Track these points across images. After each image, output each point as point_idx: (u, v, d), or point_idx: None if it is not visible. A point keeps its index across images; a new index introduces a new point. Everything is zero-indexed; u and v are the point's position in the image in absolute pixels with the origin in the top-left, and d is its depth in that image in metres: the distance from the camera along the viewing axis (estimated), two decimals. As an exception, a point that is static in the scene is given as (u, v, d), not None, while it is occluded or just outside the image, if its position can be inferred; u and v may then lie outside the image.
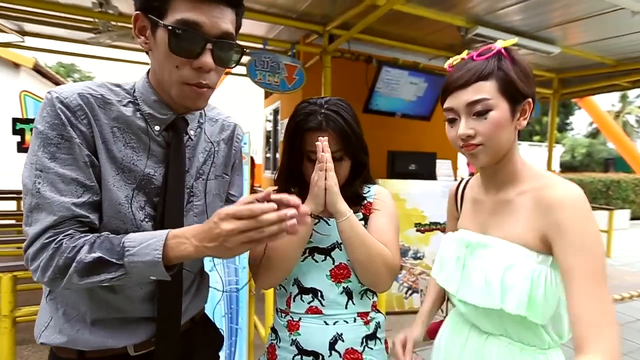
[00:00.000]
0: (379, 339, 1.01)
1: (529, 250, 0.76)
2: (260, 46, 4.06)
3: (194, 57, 0.68)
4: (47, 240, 0.65)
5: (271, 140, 6.39)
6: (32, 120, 1.59)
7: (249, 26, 4.08)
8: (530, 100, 0.78)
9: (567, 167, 21.68)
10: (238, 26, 0.75)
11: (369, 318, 1.00)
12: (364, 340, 0.98)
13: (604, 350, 0.62)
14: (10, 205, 5.50)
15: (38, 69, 9.90)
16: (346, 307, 0.97)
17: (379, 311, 1.05)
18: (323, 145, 0.89)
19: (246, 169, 2.22)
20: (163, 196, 0.75)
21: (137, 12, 0.69)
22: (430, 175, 3.69)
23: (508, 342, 0.80)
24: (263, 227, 0.60)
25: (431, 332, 1.03)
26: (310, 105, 0.95)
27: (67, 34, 4.70)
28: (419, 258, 3.43)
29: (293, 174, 1.01)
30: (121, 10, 3.67)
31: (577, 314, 0.66)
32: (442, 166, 3.75)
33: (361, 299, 0.99)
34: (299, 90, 4.05)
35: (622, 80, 4.91)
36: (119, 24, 3.76)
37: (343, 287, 0.97)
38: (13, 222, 4.89)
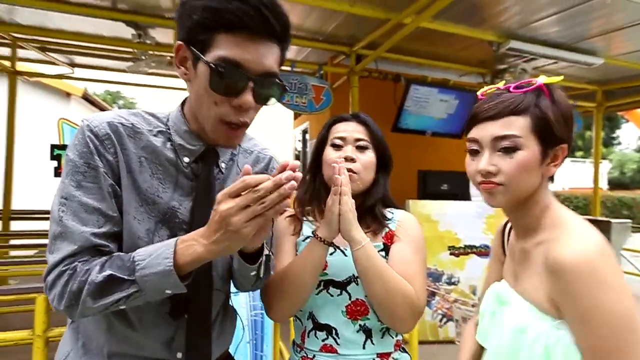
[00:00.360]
0: None
1: (542, 313, 0.67)
2: (288, 69, 4.14)
3: (234, 96, 0.65)
4: (64, 268, 0.64)
5: (300, 160, 6.43)
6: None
7: (277, 50, 4.18)
8: (565, 146, 0.71)
9: (615, 184, 20.20)
10: (282, 60, 0.72)
11: (390, 359, 0.91)
12: None
13: None
14: (46, 225, 5.81)
15: (87, 97, 10.66)
16: (364, 347, 0.89)
17: (404, 350, 0.97)
18: (339, 167, 0.85)
19: (272, 190, 2.21)
20: (189, 231, 0.70)
21: (180, 42, 0.67)
22: (464, 195, 3.53)
23: None
24: (262, 196, 0.56)
25: None
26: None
27: (111, 64, 5.05)
28: (453, 283, 3.24)
29: (315, 185, 1.02)
30: (158, 40, 3.89)
31: None
32: (477, 185, 3.57)
33: (382, 337, 0.92)
34: (326, 111, 4.06)
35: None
36: (156, 52, 3.97)
37: (360, 325, 0.90)
38: (47, 242, 5.16)
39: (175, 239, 0.64)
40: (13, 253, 4.35)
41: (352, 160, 0.94)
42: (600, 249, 0.61)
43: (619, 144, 25.77)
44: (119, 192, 0.69)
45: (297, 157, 6.80)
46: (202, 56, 0.63)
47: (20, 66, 4.64)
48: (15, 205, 4.43)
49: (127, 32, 3.61)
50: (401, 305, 0.83)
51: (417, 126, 4.42)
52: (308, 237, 0.98)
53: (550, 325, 0.65)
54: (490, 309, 0.80)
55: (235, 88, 0.65)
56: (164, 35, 3.84)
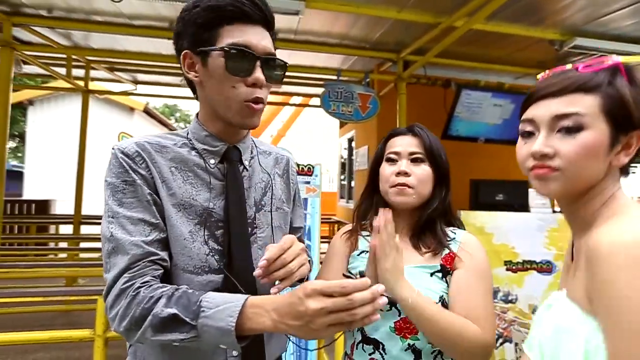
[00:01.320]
0: None
1: (583, 313, 0.57)
2: (334, 77, 4.15)
3: (248, 75, 0.72)
4: (124, 286, 0.65)
5: (346, 168, 6.40)
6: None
7: (323, 59, 4.21)
8: (637, 133, 0.59)
9: None
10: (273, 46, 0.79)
11: None
12: None
13: None
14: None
15: (148, 111, 11.55)
16: None
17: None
18: (385, 218, 0.80)
19: (317, 201, 2.19)
20: (227, 228, 0.75)
21: (185, 51, 0.73)
22: (522, 206, 3.26)
23: None
24: (355, 307, 0.54)
25: None
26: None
27: (168, 80, 5.43)
28: (510, 301, 2.98)
29: (373, 200, 1.02)
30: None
31: None
32: (537, 196, 3.29)
33: (432, 356, 0.86)
34: (373, 119, 4.00)
35: None
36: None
37: (409, 344, 0.85)
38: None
39: (245, 296, 0.63)
40: (83, 255, 4.77)
41: (406, 174, 0.92)
42: (634, 240, 0.49)
43: None
44: (159, 201, 0.72)
45: (342, 165, 6.78)
46: (215, 47, 0.70)
47: (92, 85, 5.15)
48: (85, 210, 4.89)
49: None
50: (465, 350, 0.78)
51: (469, 133, 4.19)
52: (363, 251, 0.97)
53: (592, 327, 0.54)
54: (537, 317, 0.72)
55: (248, 67, 0.72)
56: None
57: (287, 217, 0.91)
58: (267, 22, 0.74)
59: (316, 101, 6.18)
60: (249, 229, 0.80)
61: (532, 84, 4.50)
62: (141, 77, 5.45)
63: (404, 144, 0.97)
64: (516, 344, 2.27)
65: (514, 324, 2.42)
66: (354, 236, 1.02)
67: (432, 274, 0.89)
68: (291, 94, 6.23)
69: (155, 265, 0.68)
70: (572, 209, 0.65)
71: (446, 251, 0.91)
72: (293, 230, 0.94)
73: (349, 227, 1.05)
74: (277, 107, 9.14)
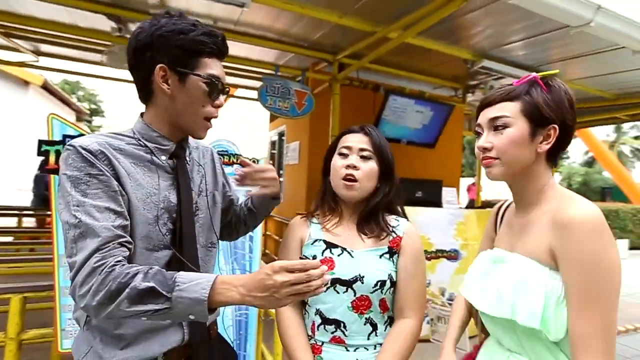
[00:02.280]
0: None
1: (541, 265, 0.77)
2: (272, 72, 4.17)
3: (217, 99, 0.90)
4: (96, 265, 0.69)
5: (275, 162, 6.44)
6: (57, 142, 1.61)
7: (258, 52, 4.20)
8: (555, 126, 0.80)
9: (564, 196, 21.75)
10: None
11: None
12: None
13: None
14: (10, 222, 5.45)
15: (47, 87, 10.04)
16: (368, 338, 0.99)
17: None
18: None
19: (261, 193, 2.24)
20: (179, 212, 0.88)
21: (161, 65, 0.83)
22: (436, 202, 3.72)
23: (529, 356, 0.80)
24: (311, 280, 0.68)
25: None
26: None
27: (79, 55, 4.83)
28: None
29: (323, 189, 1.14)
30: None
31: (571, 329, 0.71)
32: (448, 194, 3.78)
33: (385, 330, 1.02)
34: (306, 116, 4.13)
35: (622, 114, 5.04)
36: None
37: (366, 318, 0.99)
38: (11, 239, 4.84)
39: (215, 275, 0.73)
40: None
41: (355, 167, 1.04)
42: (601, 214, 0.71)
43: (568, 157, 27.83)
44: (124, 192, 0.80)
45: (272, 157, 6.80)
46: (199, 74, 0.85)
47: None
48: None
49: (105, 25, 3.50)
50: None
51: (394, 135, 4.60)
52: (315, 240, 1.07)
53: (547, 275, 0.75)
54: (480, 269, 0.92)
55: (217, 94, 0.89)
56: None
57: (217, 198, 1.06)
58: (224, 57, 0.93)
59: (243, 92, 6.10)
60: (195, 210, 0.94)
61: (446, 94, 5.12)
62: (45, 47, 4.76)
63: (355, 140, 1.07)
64: (431, 319, 2.62)
65: (430, 303, 2.78)
66: (306, 224, 1.12)
67: (380, 256, 1.03)
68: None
69: (123, 247, 0.75)
70: (518, 190, 0.88)
71: (393, 235, 1.05)
72: (226, 196, 1.14)
73: (302, 214, 1.16)
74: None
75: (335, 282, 0.98)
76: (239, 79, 5.24)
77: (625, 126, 24.82)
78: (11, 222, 5.47)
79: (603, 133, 27.03)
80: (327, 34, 3.53)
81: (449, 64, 4.02)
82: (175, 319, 0.75)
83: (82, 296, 0.69)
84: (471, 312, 1.06)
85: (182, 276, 0.71)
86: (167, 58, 0.83)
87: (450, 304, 3.03)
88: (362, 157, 1.05)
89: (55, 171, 1.66)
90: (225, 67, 3.27)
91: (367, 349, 0.99)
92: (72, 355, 0.87)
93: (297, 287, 0.68)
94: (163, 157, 0.90)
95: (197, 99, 0.87)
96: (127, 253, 0.75)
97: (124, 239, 0.75)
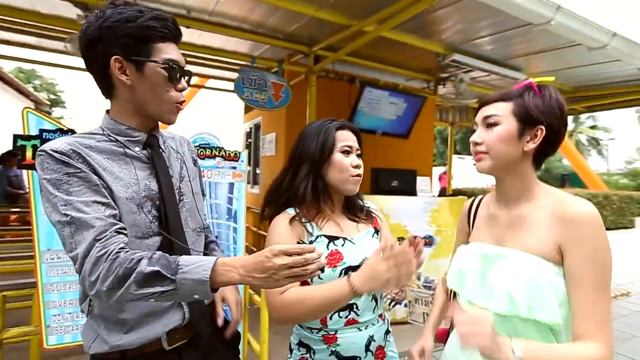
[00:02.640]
0: (390, 332, 1.16)
1: (546, 261, 0.83)
2: (248, 63, 4.14)
3: (179, 83, 0.90)
4: (99, 254, 0.73)
5: (251, 154, 6.41)
6: (33, 137, 1.58)
7: (233, 43, 4.15)
8: (542, 127, 0.86)
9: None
10: None
11: (383, 314, 1.14)
12: (385, 335, 1.12)
13: (606, 341, 0.76)
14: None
15: (1, 76, 9.41)
16: (374, 312, 1.08)
17: (389, 303, 1.22)
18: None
19: (242, 185, 2.28)
20: (162, 199, 0.90)
21: (116, 56, 0.83)
22: (411, 191, 3.87)
23: None
24: (307, 264, 0.73)
25: (441, 335, 1.14)
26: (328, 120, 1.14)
27: (37, 42, 4.57)
28: (401, 271, 3.56)
29: (318, 185, 1.09)
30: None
31: (583, 313, 0.77)
32: (422, 183, 3.94)
33: (380, 298, 1.12)
34: (283, 108, 4.15)
35: (579, 105, 5.39)
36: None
37: (372, 295, 1.08)
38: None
39: (215, 257, 0.77)
40: None
41: (358, 166, 1.10)
42: (596, 209, 0.80)
43: (531, 146, 29.12)
44: (107, 185, 0.82)
45: (247, 147, 6.76)
46: (156, 60, 0.85)
47: None
48: None
49: (69, 12, 3.35)
50: None
51: (369, 126, 4.71)
52: (317, 236, 1.06)
53: (552, 271, 0.81)
54: (474, 266, 0.96)
55: (178, 77, 0.89)
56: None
57: (199, 185, 1.08)
58: (179, 40, 0.93)
59: (218, 83, 6.00)
60: (177, 197, 0.96)
61: (419, 86, 5.27)
62: (1, 34, 4.47)
63: (352, 139, 1.11)
64: (409, 301, 2.76)
65: (404, 288, 2.93)
66: (300, 224, 1.07)
67: (372, 236, 1.14)
68: (197, 75, 5.89)
69: (120, 235, 0.78)
70: (505, 185, 0.95)
71: (373, 215, 1.18)
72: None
73: (289, 214, 1.08)
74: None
75: (347, 270, 1.02)
76: (213, 69, 5.16)
77: (582, 116, 26.36)
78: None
79: (562, 123, 28.42)
80: (303, 26, 3.55)
81: (422, 57, 4.15)
82: (181, 299, 0.81)
83: (93, 283, 0.73)
84: (449, 298, 1.15)
85: (185, 259, 0.76)
86: (120, 49, 0.83)
87: (425, 287, 3.20)
88: (358, 155, 1.13)
89: (32, 167, 1.63)
90: (199, 57, 3.25)
91: (374, 324, 1.08)
92: (83, 342, 0.91)
93: (295, 270, 0.73)
94: (137, 149, 0.91)
95: (158, 85, 0.87)
96: (126, 239, 0.79)
97: (118, 227, 0.78)
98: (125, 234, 0.80)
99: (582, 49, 3.29)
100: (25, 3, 3.41)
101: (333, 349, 1.04)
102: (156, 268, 0.73)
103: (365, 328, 1.06)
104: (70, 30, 3.67)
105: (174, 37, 0.89)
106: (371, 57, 4.28)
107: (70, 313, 1.70)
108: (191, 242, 0.96)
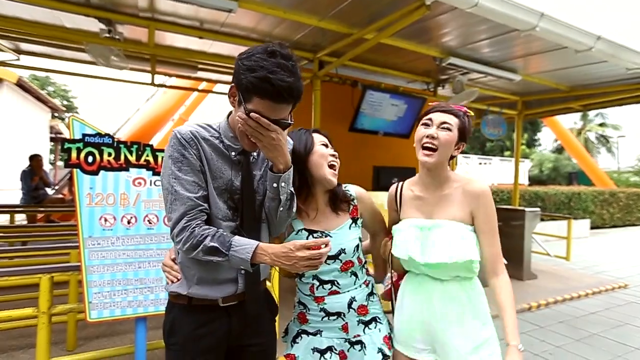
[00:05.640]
0: (375, 294, 1.40)
1: (465, 224, 1.25)
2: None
3: None
4: (185, 225, 1.03)
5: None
6: (77, 141, 1.86)
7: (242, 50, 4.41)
8: (464, 143, 1.28)
9: (535, 181, 22.80)
10: (292, 109, 1.08)
11: (367, 281, 1.38)
12: (367, 296, 1.35)
13: (504, 271, 1.26)
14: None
15: (21, 84, 9.86)
16: (354, 284, 1.33)
17: (370, 274, 1.43)
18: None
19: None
20: (241, 195, 1.14)
21: (234, 85, 1.03)
22: (411, 188, 4.09)
23: (457, 281, 1.27)
24: (322, 257, 0.99)
25: (386, 295, 1.47)
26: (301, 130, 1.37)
27: (57, 53, 4.88)
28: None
29: (305, 177, 1.32)
30: (126, 36, 3.95)
31: (489, 253, 1.25)
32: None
33: (361, 272, 1.36)
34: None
35: (575, 104, 5.56)
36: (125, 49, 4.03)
37: (350, 272, 1.33)
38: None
39: (257, 243, 1.03)
40: None
41: (336, 157, 1.35)
42: (487, 185, 1.22)
43: (540, 145, 29.06)
44: (205, 170, 1.09)
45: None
46: (245, 107, 1.00)
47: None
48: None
49: (91, 25, 3.65)
50: None
51: (372, 127, 4.94)
52: (299, 230, 1.32)
53: (470, 229, 1.25)
54: (414, 235, 1.28)
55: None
56: (132, 32, 3.93)
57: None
58: (291, 102, 1.02)
59: (224, 88, 6.27)
60: (255, 194, 1.17)
61: (419, 88, 5.49)
62: (26, 46, 4.81)
63: (326, 140, 1.36)
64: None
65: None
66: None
67: (350, 227, 1.34)
68: (207, 80, 6.20)
69: (201, 213, 1.06)
70: (435, 174, 1.30)
71: (352, 205, 1.37)
72: None
73: None
74: (185, 93, 8.80)
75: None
76: (224, 75, 5.45)
77: (591, 114, 26.15)
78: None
79: (571, 121, 28.36)
80: (308, 35, 3.81)
81: (420, 60, 4.38)
82: (234, 266, 1.09)
83: (177, 243, 1.05)
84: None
85: (237, 241, 1.03)
86: (236, 82, 1.02)
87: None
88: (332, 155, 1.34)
89: (77, 166, 1.91)
90: (210, 64, 3.56)
91: (357, 289, 1.33)
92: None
93: (312, 261, 0.99)
94: (233, 153, 1.13)
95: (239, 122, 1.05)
96: (205, 217, 1.07)
97: (202, 207, 1.06)
98: (206, 213, 1.07)
99: (570, 51, 3.49)
100: (49, 18, 3.72)
101: (322, 307, 1.31)
102: (215, 244, 1.01)
103: (348, 291, 1.31)
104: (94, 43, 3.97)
105: (278, 100, 0.98)
106: (372, 61, 4.52)
107: (108, 291, 1.96)
108: (258, 229, 1.18)
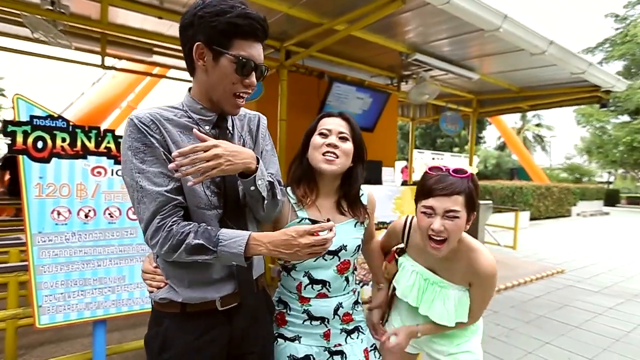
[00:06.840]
0: (359, 303, 1.34)
1: (464, 289, 1.31)
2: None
3: (247, 78, 0.97)
4: (159, 225, 0.88)
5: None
6: (24, 123, 1.64)
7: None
8: (475, 213, 1.20)
9: (480, 176, 24.40)
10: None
11: (354, 289, 1.33)
12: (353, 305, 1.30)
13: (479, 319, 1.38)
14: None
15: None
16: (344, 290, 1.26)
17: (358, 283, 1.38)
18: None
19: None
20: (222, 177, 0.99)
21: (199, 43, 0.92)
22: (377, 181, 4.16)
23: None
24: (326, 243, 0.90)
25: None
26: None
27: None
28: (368, 254, 3.84)
29: (303, 166, 1.24)
30: (73, 10, 3.57)
31: (475, 311, 1.31)
32: (387, 173, 4.24)
33: (352, 278, 1.30)
34: (253, 102, 4.25)
35: (524, 104, 5.96)
36: (69, 23, 3.64)
37: (345, 277, 1.25)
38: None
39: (249, 233, 0.91)
40: None
41: (335, 146, 1.19)
42: (495, 262, 1.21)
43: (485, 142, 31.07)
44: (172, 158, 0.90)
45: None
46: (231, 53, 0.92)
47: None
48: None
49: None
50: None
51: (337, 120, 4.92)
52: (302, 219, 1.21)
53: (465, 294, 1.30)
54: (417, 283, 1.34)
55: (248, 72, 0.96)
56: (78, 5, 3.55)
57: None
58: (265, 39, 1.00)
59: (179, 74, 5.88)
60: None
61: (382, 82, 5.57)
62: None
63: (335, 123, 1.21)
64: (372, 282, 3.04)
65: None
66: (288, 204, 1.22)
67: (355, 225, 1.27)
68: (162, 66, 5.80)
69: (176, 208, 0.92)
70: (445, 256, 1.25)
71: (360, 212, 1.27)
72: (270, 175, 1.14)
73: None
74: (136, 78, 8.21)
75: (325, 253, 1.08)
76: (181, 60, 5.13)
77: (529, 114, 28.43)
78: None
79: (512, 121, 30.63)
80: (276, 22, 3.68)
81: (386, 55, 4.42)
82: (223, 264, 0.96)
83: (153, 246, 0.90)
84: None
85: (224, 234, 0.90)
86: (204, 37, 0.91)
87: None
88: (341, 138, 1.20)
89: (23, 152, 1.68)
90: (167, 48, 3.34)
91: (344, 295, 1.26)
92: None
93: (315, 248, 0.88)
94: (207, 127, 1.00)
95: (226, 76, 0.94)
96: (182, 212, 0.92)
97: (176, 201, 0.91)
98: (183, 207, 0.92)
99: (525, 54, 3.70)
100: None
101: (305, 308, 1.21)
102: (200, 241, 0.87)
103: (335, 296, 1.23)
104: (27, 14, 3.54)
105: (256, 35, 0.94)
106: (339, 53, 4.49)
107: (62, 293, 1.76)
108: (247, 217, 1.05)
